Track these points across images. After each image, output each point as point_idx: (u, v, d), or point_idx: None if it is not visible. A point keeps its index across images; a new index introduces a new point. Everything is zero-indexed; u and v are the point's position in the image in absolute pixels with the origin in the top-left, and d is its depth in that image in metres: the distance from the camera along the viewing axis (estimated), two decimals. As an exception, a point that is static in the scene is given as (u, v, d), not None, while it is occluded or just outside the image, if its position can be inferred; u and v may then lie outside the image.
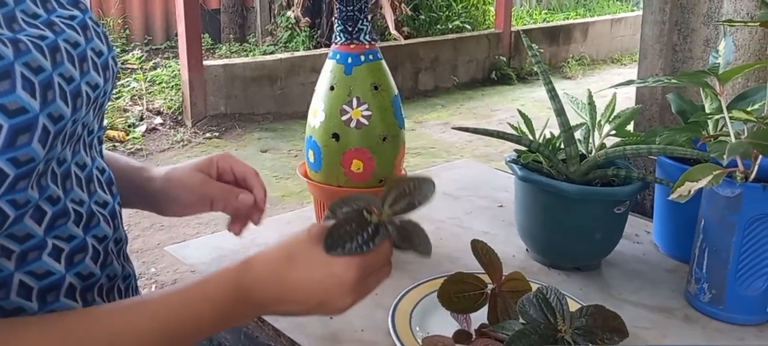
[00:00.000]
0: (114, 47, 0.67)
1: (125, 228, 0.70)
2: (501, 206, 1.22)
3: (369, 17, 0.98)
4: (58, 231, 0.58)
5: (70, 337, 0.54)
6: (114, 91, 0.63)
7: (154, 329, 0.56)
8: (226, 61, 5.56)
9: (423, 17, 7.08)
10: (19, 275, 0.56)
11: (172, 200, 0.78)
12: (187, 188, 0.78)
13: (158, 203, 0.79)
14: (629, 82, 0.98)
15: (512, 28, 7.41)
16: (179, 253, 1.02)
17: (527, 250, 1.03)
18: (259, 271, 0.59)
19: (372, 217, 0.68)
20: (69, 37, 0.59)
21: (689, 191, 0.80)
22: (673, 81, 0.93)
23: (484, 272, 0.81)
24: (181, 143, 4.76)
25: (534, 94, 6.67)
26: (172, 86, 5.30)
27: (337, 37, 0.97)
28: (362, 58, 0.96)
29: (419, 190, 0.71)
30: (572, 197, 0.92)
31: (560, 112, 0.96)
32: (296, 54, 5.84)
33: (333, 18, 6.27)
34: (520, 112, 1.05)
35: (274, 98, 5.43)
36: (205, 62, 5.18)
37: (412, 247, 0.68)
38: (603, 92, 1.07)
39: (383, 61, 0.98)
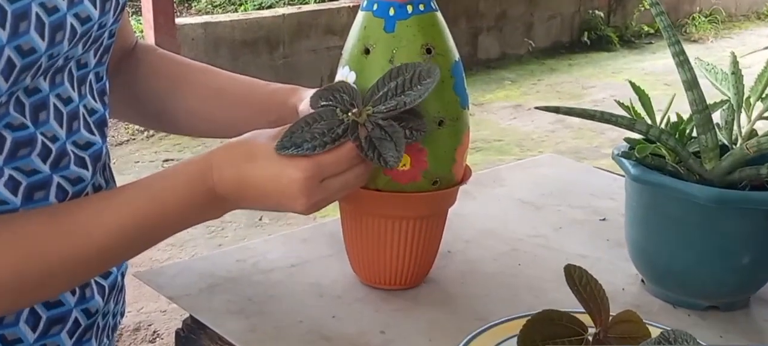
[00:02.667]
0: None
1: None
2: (603, 219, 1.23)
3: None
4: (19, 162, 0.74)
5: (47, 233, 0.73)
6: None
7: (121, 222, 0.76)
8: (206, 18, 5.64)
9: (484, -45, 7.09)
10: None
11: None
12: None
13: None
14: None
15: (612, -30, 7.39)
16: (153, 281, 1.04)
17: (643, 281, 1.04)
18: (222, 168, 0.80)
19: (347, 116, 0.83)
20: None
21: None
22: None
23: (582, 310, 0.82)
24: (146, 134, 4.84)
25: (644, 65, 6.64)
26: (133, 54, 5.40)
27: (375, -21, 0.98)
28: (409, 9, 0.96)
29: (416, 85, 0.85)
30: (709, 205, 0.92)
31: (692, 85, 0.96)
32: (304, 8, 5.89)
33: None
34: (632, 84, 1.05)
35: (275, 69, 5.48)
36: (177, 19, 5.25)
37: (377, 155, 0.82)
38: (750, 59, 1.06)
39: (439, 14, 0.98)
